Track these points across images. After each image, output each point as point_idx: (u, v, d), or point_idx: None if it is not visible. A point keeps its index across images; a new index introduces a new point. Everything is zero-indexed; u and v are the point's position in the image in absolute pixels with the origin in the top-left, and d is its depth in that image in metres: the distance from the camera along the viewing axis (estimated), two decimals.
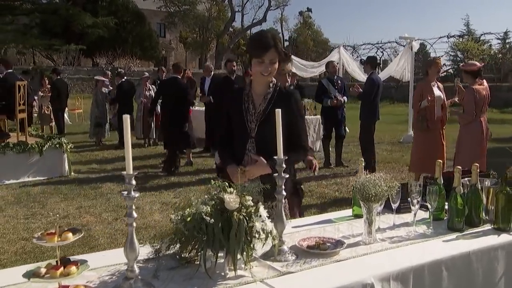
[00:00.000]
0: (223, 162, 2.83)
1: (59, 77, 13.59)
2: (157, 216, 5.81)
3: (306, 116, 10.81)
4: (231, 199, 1.92)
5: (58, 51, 32.51)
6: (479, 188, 2.59)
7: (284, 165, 2.15)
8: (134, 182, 1.76)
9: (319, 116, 10.14)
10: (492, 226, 2.56)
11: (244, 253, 1.92)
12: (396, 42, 28.44)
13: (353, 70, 14.73)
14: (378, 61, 9.85)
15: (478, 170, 2.58)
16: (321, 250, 2.20)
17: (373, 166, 8.36)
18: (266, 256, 2.13)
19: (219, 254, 1.96)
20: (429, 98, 6.43)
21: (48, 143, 7.66)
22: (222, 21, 44.24)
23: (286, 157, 2.15)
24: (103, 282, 1.86)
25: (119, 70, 14.35)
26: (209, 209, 1.91)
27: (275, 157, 2.16)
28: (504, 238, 2.45)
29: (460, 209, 2.50)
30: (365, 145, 8.42)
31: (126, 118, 1.75)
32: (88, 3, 38.91)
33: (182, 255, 2.03)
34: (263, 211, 1.97)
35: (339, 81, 9.01)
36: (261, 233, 1.95)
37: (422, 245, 2.33)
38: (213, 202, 1.97)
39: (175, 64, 9.32)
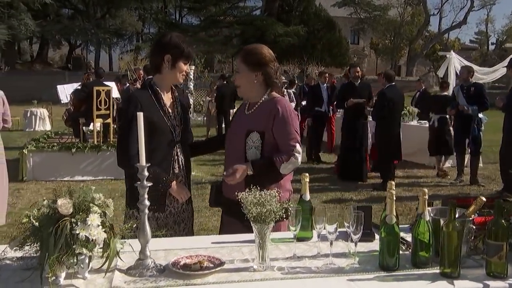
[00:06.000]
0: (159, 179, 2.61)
1: (225, 82, 14.61)
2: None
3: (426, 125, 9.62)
4: (62, 203, 1.86)
5: None
6: (428, 220, 2.03)
7: (146, 173, 2.00)
8: None
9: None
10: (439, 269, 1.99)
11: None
12: None
13: None
14: None
15: (426, 197, 2.04)
16: (191, 270, 1.98)
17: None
18: (130, 269, 2.01)
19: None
20: None
21: None
22: (415, 25, 42.13)
23: None
24: None
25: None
26: (35, 212, 1.87)
27: (142, 164, 2.02)
28: (440, 285, 1.88)
29: (390, 244, 2.00)
30: (506, 161, 7.17)
31: None
32: (282, 13, 40.87)
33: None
34: (96, 219, 1.86)
35: (471, 88, 7.81)
36: (95, 242, 1.85)
37: (316, 281, 1.93)
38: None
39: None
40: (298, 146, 2.58)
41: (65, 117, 9.43)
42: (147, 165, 2.00)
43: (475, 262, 2.09)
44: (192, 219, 2.99)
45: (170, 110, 2.71)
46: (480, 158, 9.71)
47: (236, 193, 2.03)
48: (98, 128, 8.43)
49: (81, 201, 1.91)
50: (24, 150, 8.23)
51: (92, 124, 8.37)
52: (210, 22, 41.94)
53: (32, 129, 16.01)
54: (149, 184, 2.01)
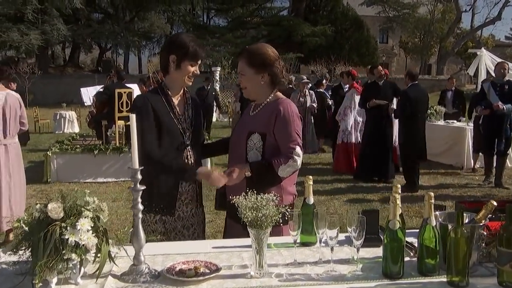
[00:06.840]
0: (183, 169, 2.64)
1: None
2: None
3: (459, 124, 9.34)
4: (52, 208, 1.82)
5: None
6: (434, 225, 1.92)
7: (140, 176, 1.95)
8: None
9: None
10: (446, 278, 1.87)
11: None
12: None
13: None
14: None
15: (432, 201, 1.92)
16: (186, 276, 1.92)
17: None
18: (123, 274, 1.96)
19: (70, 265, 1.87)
20: None
21: None
22: (446, 23, 41.19)
23: None
24: None
25: None
26: (26, 216, 1.84)
27: (134, 167, 1.97)
28: None
29: (393, 251, 1.90)
30: None
31: None
32: (309, 13, 40.61)
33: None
34: (87, 224, 1.82)
35: (505, 86, 7.43)
36: (86, 247, 1.81)
37: None
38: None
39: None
40: (298, 149, 2.49)
41: (88, 119, 9.54)
42: (140, 168, 1.95)
43: (487, 270, 1.97)
44: (203, 224, 2.91)
45: (180, 113, 2.68)
46: None
47: (230, 196, 1.97)
48: (120, 130, 8.48)
49: (73, 205, 1.87)
50: (48, 152, 8.35)
51: (114, 126, 8.43)
52: (237, 23, 41.99)
53: (61, 132, 16.31)
54: (142, 187, 1.96)
